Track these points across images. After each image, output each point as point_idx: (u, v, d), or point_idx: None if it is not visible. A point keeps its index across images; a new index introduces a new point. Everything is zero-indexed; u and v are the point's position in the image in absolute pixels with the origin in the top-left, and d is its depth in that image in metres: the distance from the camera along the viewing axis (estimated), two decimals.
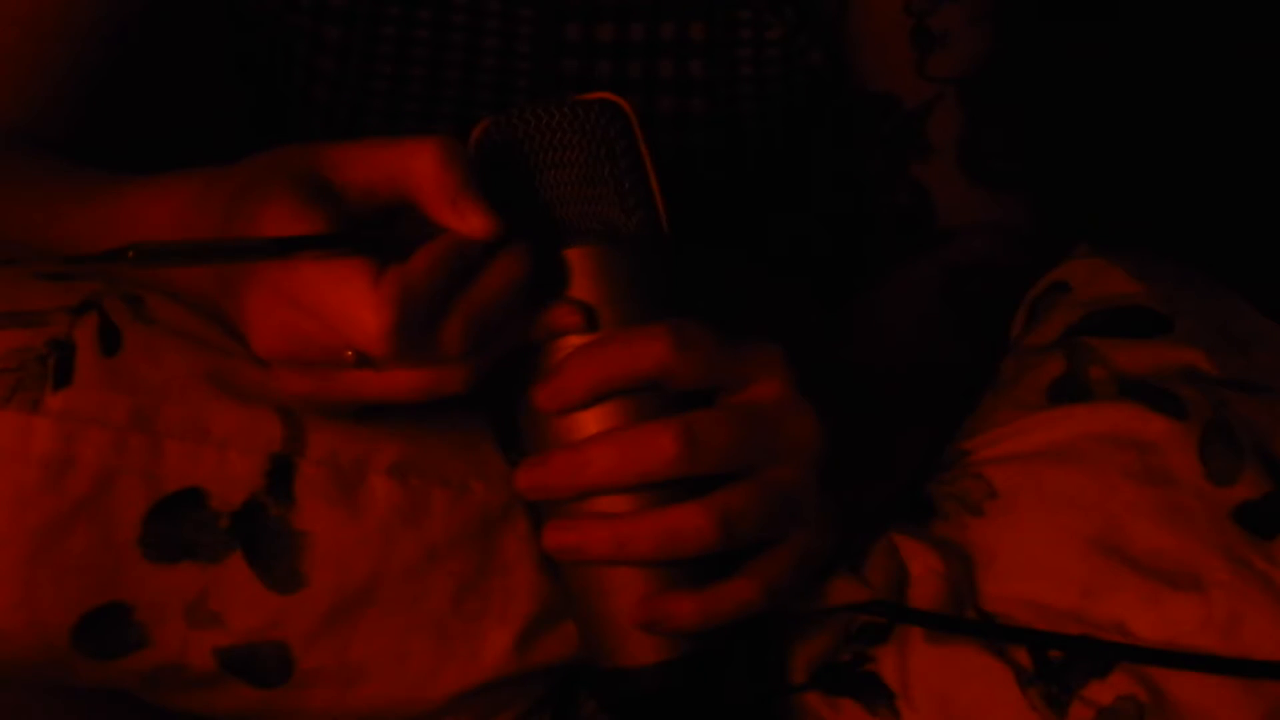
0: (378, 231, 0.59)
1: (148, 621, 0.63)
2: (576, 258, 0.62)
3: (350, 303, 0.56)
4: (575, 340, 0.62)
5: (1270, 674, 0.63)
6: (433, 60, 0.87)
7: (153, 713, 0.69)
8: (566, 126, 0.63)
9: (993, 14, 0.88)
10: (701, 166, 0.91)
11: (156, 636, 0.63)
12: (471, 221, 0.59)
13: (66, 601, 0.61)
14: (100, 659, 0.63)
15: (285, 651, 0.65)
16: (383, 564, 0.65)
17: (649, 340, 0.61)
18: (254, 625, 0.64)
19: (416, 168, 0.59)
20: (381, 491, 0.65)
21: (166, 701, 0.67)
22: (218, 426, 0.63)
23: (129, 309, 0.64)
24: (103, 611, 0.62)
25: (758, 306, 0.91)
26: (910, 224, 0.91)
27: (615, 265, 0.63)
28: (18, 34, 0.78)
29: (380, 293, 0.56)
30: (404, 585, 0.65)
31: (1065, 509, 0.68)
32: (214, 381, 0.64)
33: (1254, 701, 0.63)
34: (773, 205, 0.97)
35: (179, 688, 0.66)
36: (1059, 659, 0.65)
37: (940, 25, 0.87)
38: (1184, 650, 0.64)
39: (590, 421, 0.62)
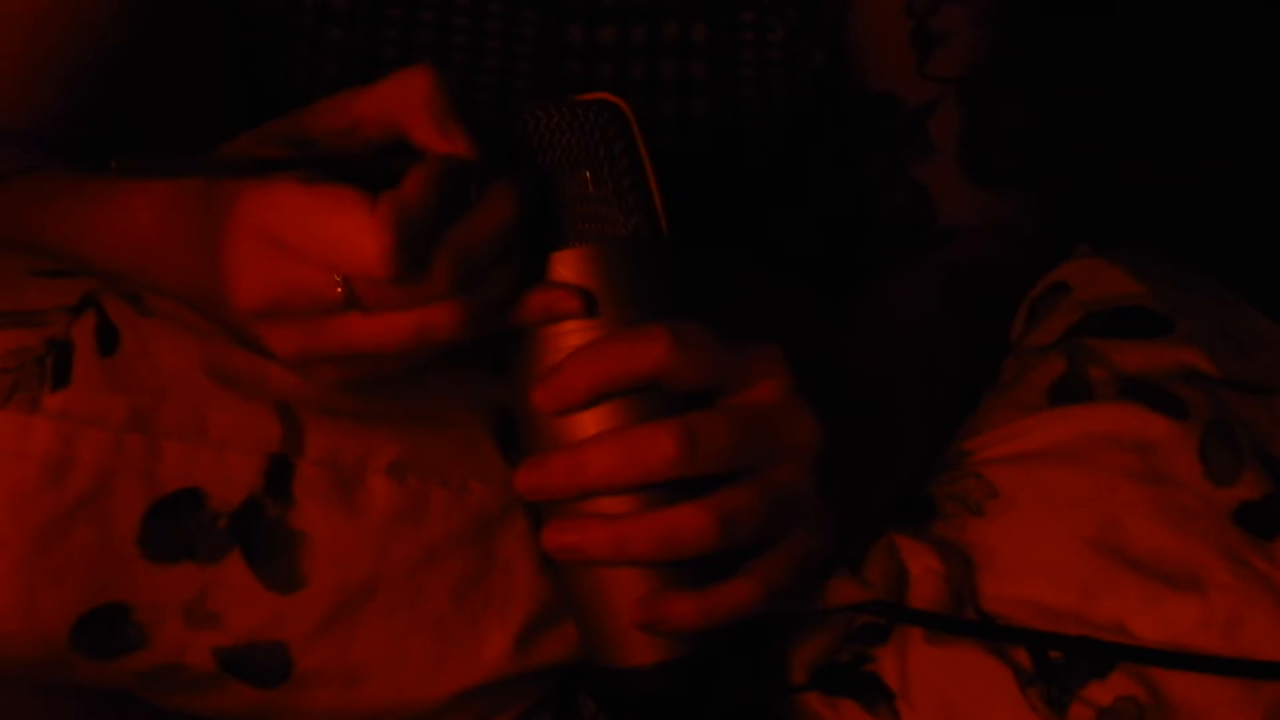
0: (359, 158, 0.59)
1: (147, 622, 0.63)
2: (575, 257, 0.62)
3: (348, 228, 0.56)
4: (575, 339, 0.62)
5: (1270, 674, 0.63)
6: (434, 62, 0.87)
7: (153, 713, 0.69)
8: (566, 126, 0.63)
9: (993, 14, 0.88)
10: (703, 167, 0.91)
11: (155, 637, 0.63)
12: (457, 142, 0.59)
13: (65, 602, 0.61)
14: (99, 659, 0.63)
15: (284, 651, 0.65)
16: (382, 564, 0.65)
17: (648, 341, 0.61)
18: (253, 625, 0.64)
19: (408, 89, 0.59)
20: (380, 491, 0.65)
21: (166, 701, 0.67)
22: (216, 426, 0.63)
23: (127, 304, 0.64)
24: (101, 612, 0.62)
25: (758, 306, 0.91)
26: (911, 224, 0.91)
27: (614, 265, 0.63)
28: (21, 36, 0.78)
29: (377, 215, 0.56)
30: (403, 585, 0.65)
31: (1065, 509, 0.68)
32: (213, 375, 0.63)
33: (1254, 702, 0.63)
34: (773, 205, 0.97)
35: (178, 688, 0.66)
36: (1059, 659, 0.65)
37: (940, 25, 0.87)
38: (1184, 650, 0.64)
39: (590, 422, 0.62)
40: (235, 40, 0.92)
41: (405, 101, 0.59)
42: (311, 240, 0.57)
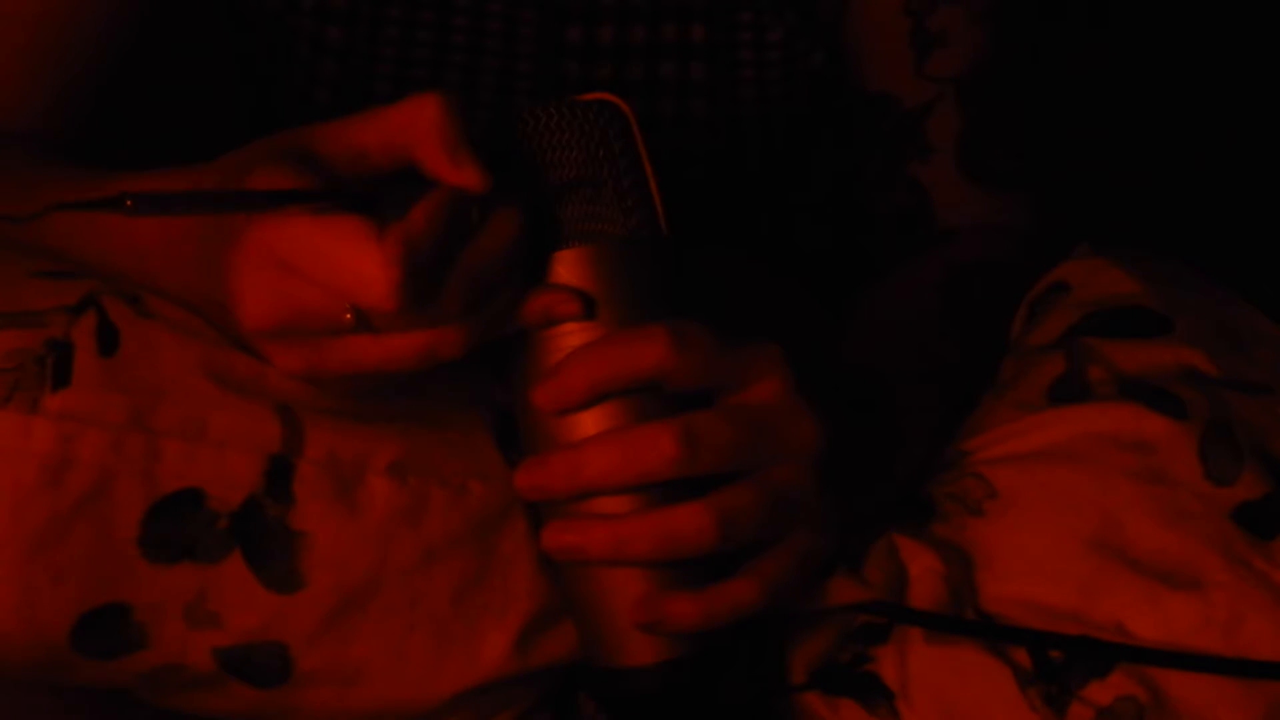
0: (370, 188, 0.59)
1: (147, 622, 0.63)
2: (575, 257, 0.62)
3: (356, 259, 0.56)
4: (574, 339, 0.62)
5: (1270, 674, 0.63)
6: (435, 62, 0.87)
7: (153, 713, 0.69)
8: (565, 127, 0.63)
9: (992, 14, 0.88)
10: (702, 168, 0.91)
11: (155, 637, 0.63)
12: (468, 174, 0.59)
13: (65, 602, 0.61)
14: (99, 659, 0.63)
15: (284, 651, 0.65)
16: (382, 564, 0.65)
17: (648, 340, 0.61)
18: (253, 625, 0.64)
19: (420, 116, 0.59)
20: (380, 491, 0.65)
21: (166, 702, 0.67)
22: (216, 426, 0.63)
23: (128, 306, 0.64)
24: (102, 612, 0.62)
25: (757, 306, 0.91)
26: (910, 224, 0.91)
27: (613, 265, 0.63)
28: (23, 35, 0.78)
29: (385, 247, 0.56)
30: (403, 585, 0.65)
31: (1065, 509, 0.68)
32: (213, 376, 0.63)
33: (1253, 701, 0.63)
34: (773, 205, 0.97)
35: (178, 688, 0.66)
36: (1059, 659, 0.65)
37: (939, 25, 0.87)
38: (1184, 650, 0.64)
39: (589, 422, 0.62)
40: (235, 42, 0.92)
41: (415, 130, 0.59)
42: (320, 270, 0.57)
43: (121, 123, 0.82)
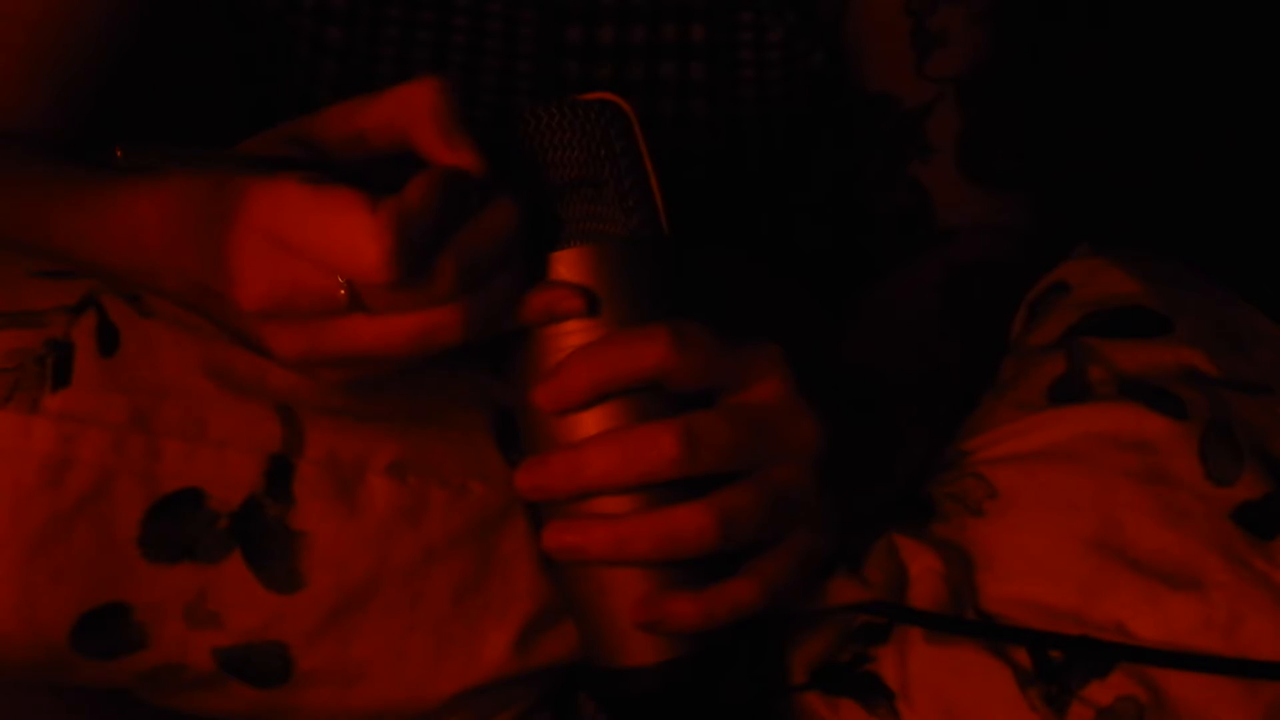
0: (366, 165, 0.59)
1: (147, 622, 0.63)
2: (576, 257, 0.62)
3: (349, 231, 0.56)
4: (575, 339, 0.62)
5: (1270, 674, 0.63)
6: (435, 62, 0.87)
7: (153, 713, 0.69)
8: (566, 126, 0.63)
9: (992, 14, 0.88)
10: (702, 168, 0.91)
11: (156, 637, 0.63)
12: (463, 155, 0.59)
13: (65, 602, 0.61)
14: (99, 659, 0.63)
15: (284, 651, 0.65)
16: (382, 564, 0.65)
17: (648, 340, 0.61)
18: (253, 625, 0.64)
19: (418, 98, 0.59)
20: (380, 491, 0.65)
21: (166, 701, 0.67)
22: (216, 426, 0.63)
23: (128, 305, 0.64)
24: (102, 612, 0.62)
25: (758, 306, 0.91)
26: (910, 224, 0.91)
27: (614, 264, 0.63)
28: (23, 35, 0.78)
29: (378, 218, 0.56)
30: (403, 585, 0.65)
31: (1065, 509, 0.68)
32: (213, 376, 0.63)
33: (1253, 701, 0.63)
34: (773, 205, 0.97)
35: (178, 688, 0.66)
36: (1059, 659, 0.65)
37: (939, 25, 0.87)
38: (1184, 650, 0.64)
39: (590, 422, 0.62)
40: (235, 42, 0.92)
41: (412, 112, 0.59)
42: (314, 242, 0.57)
43: (121, 123, 0.82)
